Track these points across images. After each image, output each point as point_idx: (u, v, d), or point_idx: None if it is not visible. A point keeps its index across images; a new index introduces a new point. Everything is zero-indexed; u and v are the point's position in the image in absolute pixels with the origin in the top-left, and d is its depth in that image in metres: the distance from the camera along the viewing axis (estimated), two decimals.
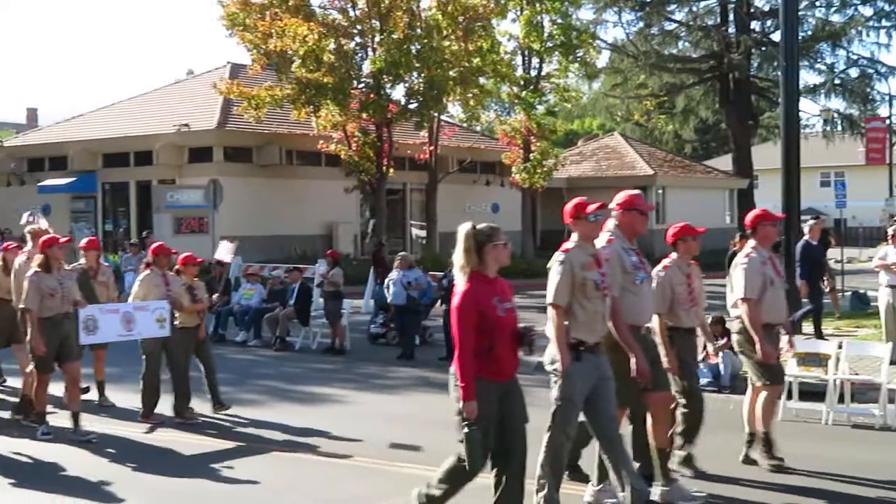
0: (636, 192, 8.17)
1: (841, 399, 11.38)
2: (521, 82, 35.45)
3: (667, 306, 8.46)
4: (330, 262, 18.38)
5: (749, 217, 9.54)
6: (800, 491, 8.49)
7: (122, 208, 35.78)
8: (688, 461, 8.76)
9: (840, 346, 11.71)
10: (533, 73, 36.20)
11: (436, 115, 33.81)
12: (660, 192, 43.25)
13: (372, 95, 31.32)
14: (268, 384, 14.31)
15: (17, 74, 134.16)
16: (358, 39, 32.03)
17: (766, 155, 47.82)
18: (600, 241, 7.55)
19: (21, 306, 10.56)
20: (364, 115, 31.52)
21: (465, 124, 40.40)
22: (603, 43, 45.16)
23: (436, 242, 34.51)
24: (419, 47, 31.00)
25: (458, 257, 6.54)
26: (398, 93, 32.98)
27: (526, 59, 36.32)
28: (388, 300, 17.60)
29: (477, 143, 40.62)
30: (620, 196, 7.99)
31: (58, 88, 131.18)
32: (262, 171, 33.53)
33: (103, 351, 12.23)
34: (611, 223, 7.81)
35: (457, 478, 6.62)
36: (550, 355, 7.05)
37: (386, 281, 18.11)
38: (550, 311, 7.04)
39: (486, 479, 6.60)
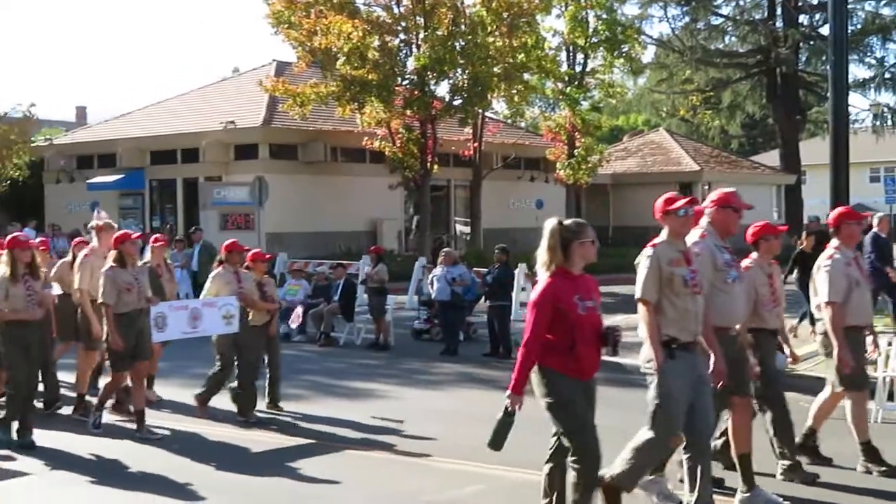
0: (731, 189, 7.99)
1: (891, 397, 11.23)
2: (566, 78, 35.31)
3: (751, 308, 8.22)
4: (374, 259, 18.46)
5: (832, 215, 9.24)
6: (861, 491, 8.40)
7: (169, 205, 36.13)
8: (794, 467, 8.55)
9: (890, 343, 11.55)
10: (578, 68, 36.05)
11: (480, 111, 33.78)
12: (706, 188, 42.83)
13: (416, 92, 31.36)
14: (312, 379, 14.41)
15: (66, 73, 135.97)
16: (402, 36, 32.09)
17: (815, 150, 47.28)
18: (692, 238, 7.36)
19: (100, 301, 10.41)
20: (408, 112, 31.58)
21: (509, 120, 40.34)
22: (648, 38, 44.91)
23: (480, 239, 34.50)
24: (463, 44, 31.00)
25: (542, 254, 6.44)
26: (442, 89, 33.04)
27: (570, 54, 36.17)
28: (433, 296, 17.65)
29: (521, 139, 40.54)
30: (715, 193, 7.85)
31: (106, 87, 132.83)
32: (307, 167, 33.71)
33: (161, 347, 12.13)
34: (704, 220, 7.64)
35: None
36: (645, 355, 6.91)
37: (430, 277, 18.17)
38: (640, 307, 6.91)
39: (526, 474, 6.56)
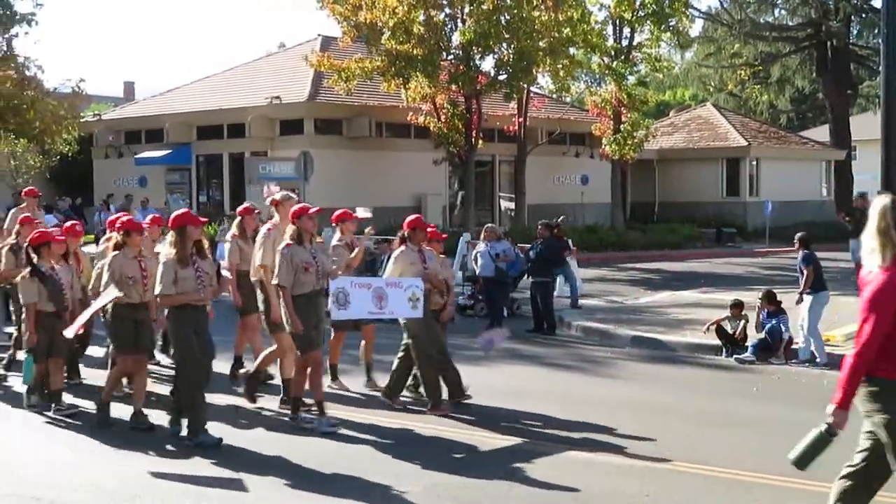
0: None
1: None
2: (612, 52, 35.00)
3: None
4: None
5: None
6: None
7: (215, 180, 36.41)
8: None
9: None
10: (624, 42, 35.72)
11: (525, 86, 33.60)
12: (753, 163, 42.43)
13: (461, 67, 31.26)
14: (355, 354, 14.46)
15: (115, 49, 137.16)
16: (447, 10, 31.97)
17: (866, 125, 46.50)
18: None
19: (274, 282, 9.66)
20: (453, 87, 31.50)
21: (554, 95, 40.10)
22: (696, 11, 44.46)
23: (524, 214, 34.41)
24: (509, 18, 30.82)
25: (870, 239, 5.41)
26: (487, 64, 32.91)
27: (617, 28, 35.84)
28: (476, 272, 17.63)
29: (566, 114, 40.30)
30: None
31: (154, 63, 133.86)
32: (352, 143, 33.79)
33: (344, 332, 11.41)
34: None
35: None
36: None
37: (473, 252, 18.13)
38: None
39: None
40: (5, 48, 37.12)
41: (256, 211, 12.17)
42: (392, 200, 33.33)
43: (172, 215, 9.25)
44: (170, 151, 35.64)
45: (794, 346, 13.75)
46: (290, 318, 9.49)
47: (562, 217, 21.62)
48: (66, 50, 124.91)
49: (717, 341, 14.24)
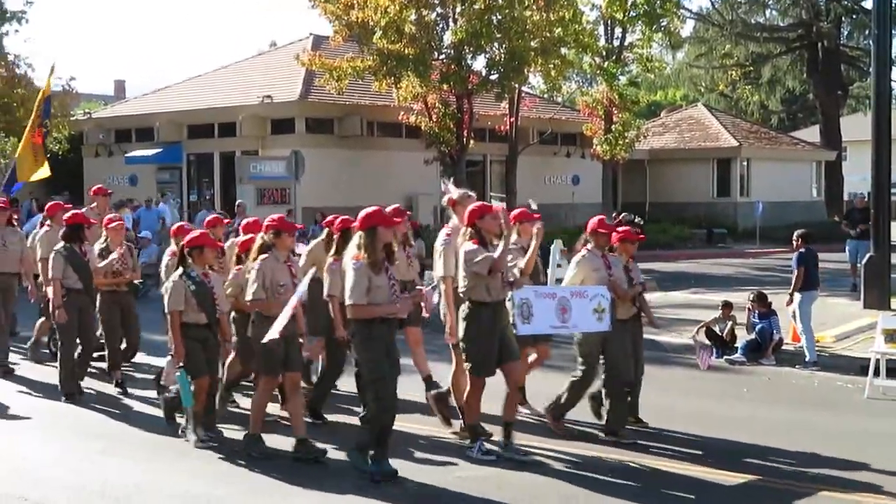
0: None
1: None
2: (604, 52, 34.98)
3: None
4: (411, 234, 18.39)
5: None
6: (875, 469, 8.32)
7: (206, 179, 36.30)
8: None
9: None
10: (615, 43, 35.69)
11: (516, 86, 33.56)
12: (744, 164, 42.47)
13: (453, 66, 31.19)
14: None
15: (105, 47, 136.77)
16: (439, 10, 31.88)
17: (856, 126, 46.65)
18: None
19: (461, 289, 8.57)
20: (445, 87, 31.44)
21: (545, 95, 40.08)
22: (687, 12, 44.61)
23: None
24: (500, 18, 30.75)
25: None
26: (479, 64, 32.82)
27: (608, 28, 35.82)
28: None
29: (558, 114, 40.26)
30: None
31: (144, 61, 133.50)
32: (344, 142, 33.73)
33: (533, 348, 9.91)
34: None
35: None
36: None
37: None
38: None
39: None
40: None
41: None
42: (383, 200, 32.74)
43: (361, 214, 8.08)
44: (160, 150, 35.52)
45: (784, 346, 13.77)
46: (451, 322, 8.59)
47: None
48: (57, 48, 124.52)
49: (707, 341, 14.24)
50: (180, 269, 9.10)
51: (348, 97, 33.21)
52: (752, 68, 48.69)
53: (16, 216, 14.34)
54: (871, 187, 17.90)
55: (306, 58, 31.51)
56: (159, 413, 9.96)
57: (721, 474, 8.18)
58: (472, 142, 32.74)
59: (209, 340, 9.11)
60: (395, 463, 8.06)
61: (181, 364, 8.97)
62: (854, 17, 44.83)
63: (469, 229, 8.52)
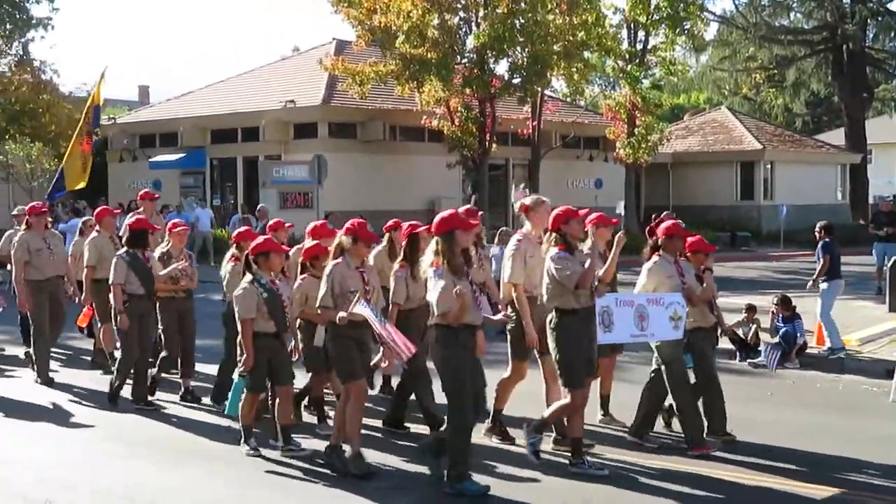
0: None
1: None
2: (627, 56, 34.93)
3: None
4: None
5: None
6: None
7: (229, 183, 36.46)
8: None
9: None
10: (638, 46, 35.63)
11: (539, 89, 33.55)
12: (768, 167, 42.24)
13: (475, 70, 31.23)
14: None
15: (129, 53, 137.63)
16: (462, 14, 31.94)
17: (881, 128, 46.39)
18: None
19: (545, 297, 8.26)
20: (467, 91, 31.48)
21: (568, 99, 40.02)
22: (711, 15, 44.37)
23: None
24: (523, 21, 30.77)
25: None
26: (501, 67, 32.87)
27: (631, 32, 35.76)
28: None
29: (580, 117, 40.20)
30: None
31: (169, 66, 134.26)
32: (366, 146, 33.79)
33: (614, 357, 9.88)
34: None
35: None
36: None
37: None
38: None
39: None
40: (21, 53, 37.27)
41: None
42: (405, 204, 33.28)
43: (438, 217, 7.82)
44: (184, 155, 35.69)
45: (809, 349, 13.70)
46: (526, 328, 8.31)
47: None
48: (82, 54, 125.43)
49: (731, 346, 14.17)
50: (249, 276, 8.74)
51: (371, 102, 33.29)
52: (776, 71, 48.46)
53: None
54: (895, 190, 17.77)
55: (329, 62, 31.64)
56: (209, 419, 9.98)
57: (746, 476, 8.12)
58: (494, 146, 32.75)
59: (277, 350, 8.77)
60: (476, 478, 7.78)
61: (245, 372, 8.71)
62: (880, 19, 44.53)
63: (554, 234, 8.26)
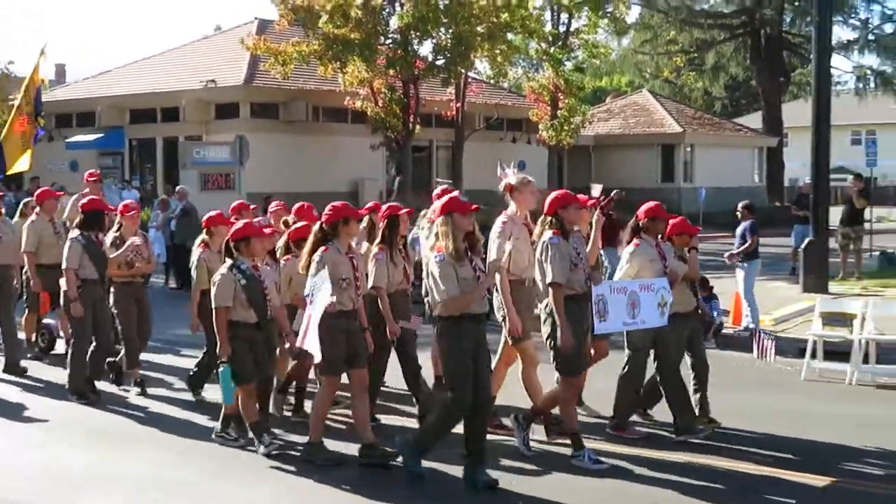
0: None
1: (866, 359, 11.32)
2: (550, 38, 35.11)
3: None
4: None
5: None
6: (823, 449, 8.48)
7: (148, 164, 35.90)
8: None
9: (866, 306, 11.63)
10: (561, 28, 35.85)
11: (463, 71, 33.57)
12: (688, 150, 42.88)
13: (399, 51, 31.14)
14: None
15: (45, 30, 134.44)
16: None
17: (797, 112, 47.25)
18: None
19: (549, 280, 7.80)
20: (391, 72, 31.37)
21: (492, 81, 40.13)
22: None
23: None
24: (447, 2, 30.74)
25: None
26: (425, 49, 32.80)
27: (555, 14, 35.97)
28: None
29: (504, 100, 40.33)
30: None
31: (86, 45, 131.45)
32: (289, 127, 33.52)
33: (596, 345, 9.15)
34: None
35: None
36: None
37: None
38: None
39: None
40: None
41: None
42: (328, 185, 33.10)
43: (438, 202, 7.56)
44: (102, 135, 35.03)
45: (724, 330, 13.95)
46: (561, 328, 7.72)
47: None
48: None
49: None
50: (229, 262, 8.27)
51: (293, 82, 33.00)
52: (696, 55, 49.17)
53: None
54: (811, 173, 18.18)
55: (251, 42, 31.26)
56: (177, 413, 9.76)
57: (705, 462, 8.22)
58: (418, 127, 32.72)
59: (257, 341, 8.28)
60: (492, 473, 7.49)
61: (224, 360, 8.22)
62: (796, 4, 45.37)
63: (550, 218, 7.96)
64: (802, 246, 17.70)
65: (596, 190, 9.04)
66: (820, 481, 7.58)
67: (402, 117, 32.07)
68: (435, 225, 7.46)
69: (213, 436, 8.58)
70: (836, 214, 19.46)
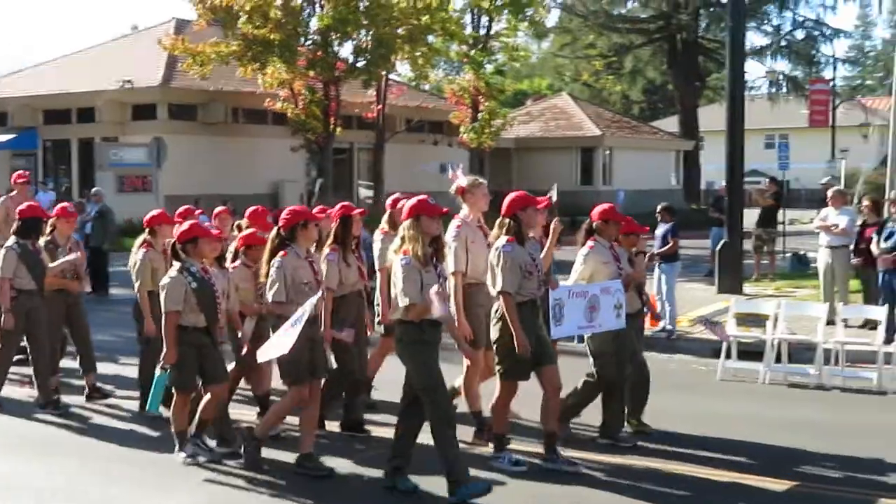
0: None
1: (778, 359, 11.56)
2: (470, 41, 35.28)
3: None
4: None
5: None
6: (735, 448, 8.63)
7: (63, 166, 35.20)
8: None
9: (779, 307, 11.88)
10: (482, 31, 36.05)
11: (384, 73, 33.56)
12: (607, 153, 43.39)
13: (319, 53, 31.02)
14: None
15: None
16: None
17: (712, 116, 48.11)
18: None
19: (499, 288, 7.61)
20: (311, 73, 31.23)
21: (413, 83, 40.19)
22: (552, 2, 45.16)
23: (383, 202, 34.37)
24: (367, 4, 30.71)
25: None
26: (346, 50, 32.73)
27: (475, 17, 36.16)
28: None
29: (425, 102, 40.43)
30: None
31: None
32: (208, 128, 33.15)
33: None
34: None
35: None
36: None
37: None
38: None
39: None
40: None
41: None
42: (248, 188, 32.83)
43: (407, 204, 7.27)
44: (14, 136, 34.28)
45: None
46: (517, 335, 7.52)
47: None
48: None
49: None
50: (177, 264, 7.93)
51: (212, 83, 32.68)
52: (614, 59, 49.78)
53: None
54: (725, 176, 18.52)
55: (169, 42, 30.90)
56: (115, 423, 9.39)
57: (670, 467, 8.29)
58: (339, 129, 32.64)
59: (206, 347, 7.95)
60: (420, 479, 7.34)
61: (166, 367, 7.92)
62: (711, 10, 46.22)
63: (509, 220, 7.73)
64: (717, 248, 18.02)
65: (555, 192, 8.98)
66: (780, 485, 7.61)
67: (322, 119, 31.94)
68: (402, 227, 7.19)
69: (185, 458, 8.08)
70: (750, 217, 19.86)
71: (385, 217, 9.54)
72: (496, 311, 7.80)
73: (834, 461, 8.26)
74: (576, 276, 8.50)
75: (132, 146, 29.21)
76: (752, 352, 11.75)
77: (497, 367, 7.88)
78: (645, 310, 9.24)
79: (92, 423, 9.54)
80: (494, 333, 7.82)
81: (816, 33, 46.99)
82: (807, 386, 11.11)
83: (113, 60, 35.75)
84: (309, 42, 31.75)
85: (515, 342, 7.52)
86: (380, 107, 34.88)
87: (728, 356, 11.65)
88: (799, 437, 8.97)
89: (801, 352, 11.80)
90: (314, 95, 31.80)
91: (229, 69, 32.16)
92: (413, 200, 7.20)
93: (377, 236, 9.49)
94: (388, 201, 9.68)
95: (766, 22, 47.19)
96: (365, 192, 37.89)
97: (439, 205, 7.24)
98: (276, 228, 7.84)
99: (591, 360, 8.68)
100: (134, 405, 9.91)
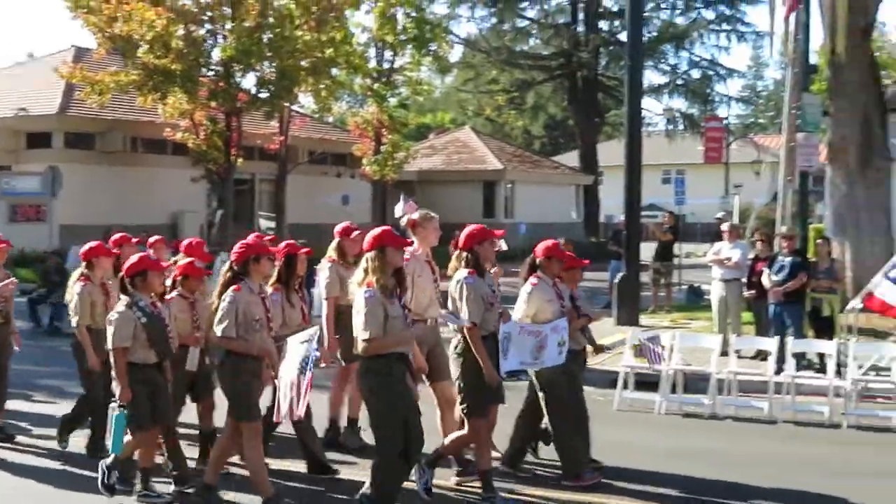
0: None
1: (673, 389, 11.78)
2: (374, 74, 35.40)
3: None
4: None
5: None
6: (631, 476, 8.76)
7: None
8: None
9: (674, 338, 12.13)
10: (386, 65, 36.19)
11: (287, 105, 33.43)
12: (509, 186, 43.86)
13: (221, 84, 30.74)
14: None
15: None
16: (208, 26, 31.37)
17: (612, 152, 49.07)
18: None
19: (465, 321, 7.64)
20: (213, 104, 30.93)
21: (316, 115, 40.11)
22: (456, 38, 45.67)
23: (284, 234, 34.14)
24: (271, 36, 30.58)
25: None
26: (249, 82, 32.52)
27: (379, 51, 36.29)
28: None
29: (328, 134, 40.40)
30: None
31: None
32: (105, 158, 32.56)
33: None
34: None
35: None
36: None
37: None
38: None
39: None
40: None
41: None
42: (147, 218, 32.24)
43: (370, 235, 7.08)
44: None
45: None
46: (484, 365, 7.52)
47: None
48: None
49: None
50: (126, 299, 7.69)
51: (111, 111, 32.16)
52: (516, 94, 50.45)
53: None
54: (624, 210, 18.89)
55: (66, 70, 30.30)
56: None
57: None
58: (240, 160, 32.34)
59: (159, 384, 7.74)
60: None
61: (122, 405, 7.61)
62: (611, 48, 47.23)
63: (466, 254, 7.78)
64: (616, 280, 18.33)
65: (503, 244, 8.94)
66: None
67: (223, 150, 31.63)
68: (365, 259, 7.03)
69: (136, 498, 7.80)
70: (648, 250, 20.25)
71: (333, 245, 9.43)
72: (456, 347, 7.79)
73: (729, 489, 8.43)
74: (520, 315, 8.35)
75: (26, 175, 28.55)
76: (648, 382, 11.97)
77: (462, 408, 7.81)
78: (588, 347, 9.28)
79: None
80: (455, 370, 7.79)
81: (711, 73, 48.37)
82: (701, 416, 11.35)
83: (7, 87, 34.94)
84: (211, 73, 31.47)
85: (485, 372, 7.53)
86: (282, 138, 34.72)
87: (625, 386, 11.84)
88: (695, 465, 9.16)
89: (695, 382, 12.06)
90: (216, 126, 31.49)
91: (129, 98, 31.73)
92: (377, 231, 7.09)
93: (324, 264, 9.35)
94: (338, 228, 9.57)
95: (663, 61, 48.43)
96: (266, 224, 37.60)
97: (402, 236, 7.22)
98: (228, 262, 7.60)
99: (528, 393, 8.75)
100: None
